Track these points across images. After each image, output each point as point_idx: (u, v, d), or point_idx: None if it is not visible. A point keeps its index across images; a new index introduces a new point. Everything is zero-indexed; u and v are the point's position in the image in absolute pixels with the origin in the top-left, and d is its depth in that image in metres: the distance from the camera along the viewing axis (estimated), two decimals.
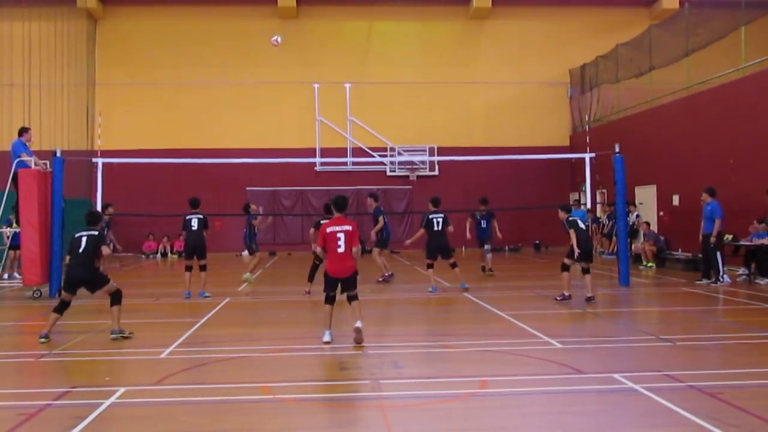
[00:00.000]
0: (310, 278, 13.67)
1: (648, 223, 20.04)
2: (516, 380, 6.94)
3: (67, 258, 9.65)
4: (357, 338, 8.42)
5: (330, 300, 8.74)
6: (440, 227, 13.84)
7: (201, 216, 13.72)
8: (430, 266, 14.09)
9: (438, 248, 13.97)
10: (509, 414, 5.82)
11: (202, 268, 13.54)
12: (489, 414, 5.85)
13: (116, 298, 9.38)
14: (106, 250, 9.58)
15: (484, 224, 16.94)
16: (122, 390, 6.45)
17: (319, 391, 6.50)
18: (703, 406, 5.73)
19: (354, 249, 8.70)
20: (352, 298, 8.75)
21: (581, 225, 12.46)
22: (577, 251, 12.16)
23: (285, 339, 9.33)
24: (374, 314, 11.70)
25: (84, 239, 9.36)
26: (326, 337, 8.59)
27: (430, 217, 13.94)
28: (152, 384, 6.80)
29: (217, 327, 10.21)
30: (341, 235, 8.55)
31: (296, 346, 8.68)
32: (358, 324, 8.46)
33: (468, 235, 17.06)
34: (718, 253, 14.51)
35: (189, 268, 13.54)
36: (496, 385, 6.76)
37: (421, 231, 14.25)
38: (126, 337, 9.17)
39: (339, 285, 8.73)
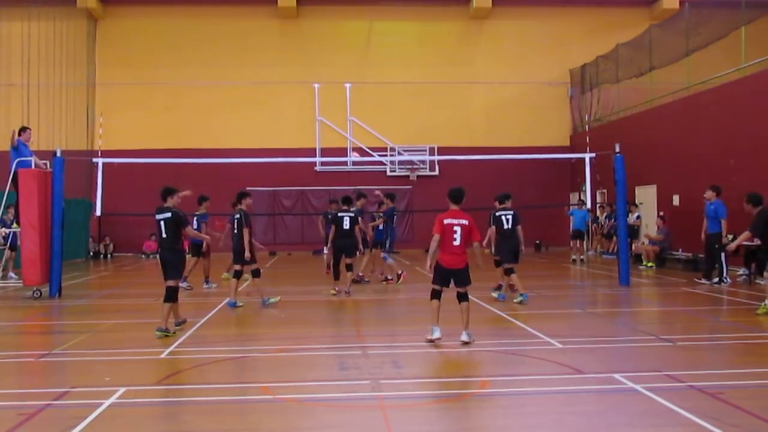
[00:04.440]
0: (337, 276, 13.59)
1: (663, 218, 19.68)
2: (516, 380, 6.94)
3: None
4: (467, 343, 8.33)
5: (437, 295, 8.59)
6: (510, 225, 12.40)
7: (238, 215, 12.14)
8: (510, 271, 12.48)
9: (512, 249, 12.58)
10: (509, 414, 5.82)
11: (252, 273, 12.25)
12: (489, 414, 5.85)
13: (170, 295, 9.30)
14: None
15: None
16: (122, 390, 6.44)
17: (319, 391, 6.50)
18: (703, 406, 5.73)
19: (474, 244, 8.61)
20: (462, 297, 8.56)
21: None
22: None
23: (285, 339, 9.33)
24: (374, 314, 11.71)
25: (162, 224, 9.48)
26: (435, 334, 8.41)
27: (498, 214, 12.49)
28: (152, 384, 6.80)
29: (217, 327, 10.21)
30: (458, 229, 8.46)
31: (296, 346, 8.68)
32: (464, 337, 8.35)
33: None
34: (723, 254, 14.44)
35: (237, 273, 12.32)
36: (496, 385, 6.76)
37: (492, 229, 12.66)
38: (168, 336, 9.07)
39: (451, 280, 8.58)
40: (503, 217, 12.34)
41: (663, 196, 21.20)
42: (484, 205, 17.02)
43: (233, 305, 11.84)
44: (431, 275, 8.63)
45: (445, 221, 8.51)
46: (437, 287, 8.60)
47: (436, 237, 8.43)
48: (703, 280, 14.63)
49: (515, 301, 12.02)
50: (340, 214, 13.67)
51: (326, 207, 21.10)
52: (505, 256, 12.45)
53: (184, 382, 7.04)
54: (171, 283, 9.36)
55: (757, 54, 17.33)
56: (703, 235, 14.83)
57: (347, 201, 14.04)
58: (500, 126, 27.79)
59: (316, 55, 27.90)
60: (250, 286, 13.30)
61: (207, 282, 15.13)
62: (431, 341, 8.44)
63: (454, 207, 8.68)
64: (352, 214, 13.68)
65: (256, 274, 12.13)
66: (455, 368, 7.65)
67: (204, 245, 14.51)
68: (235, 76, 27.48)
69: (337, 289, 13.47)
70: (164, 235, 9.53)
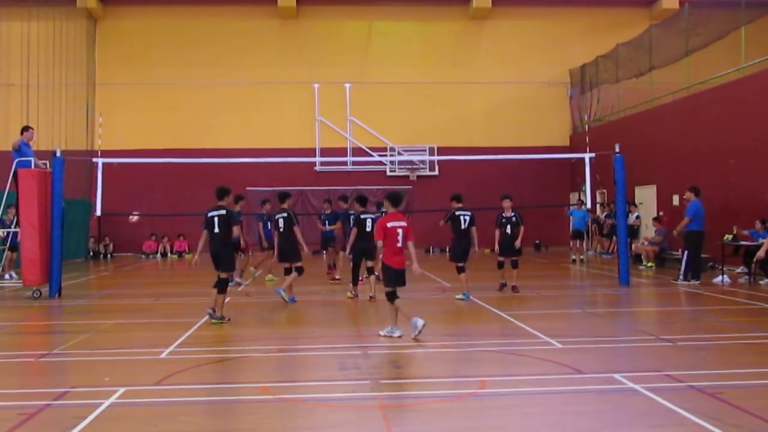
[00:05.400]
0: (356, 280, 12.97)
1: (659, 219, 19.76)
2: (516, 380, 6.94)
3: (205, 233, 10.50)
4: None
5: (395, 296, 8.97)
6: (467, 226, 12.48)
7: (285, 214, 12.36)
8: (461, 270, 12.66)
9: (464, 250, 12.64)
10: (509, 414, 5.82)
11: (297, 270, 12.35)
12: (489, 414, 5.84)
13: (222, 285, 10.23)
14: (236, 230, 10.38)
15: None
16: (122, 390, 6.44)
17: (319, 391, 6.50)
18: (703, 406, 5.73)
19: (409, 244, 8.98)
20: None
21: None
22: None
23: (285, 339, 9.34)
24: (374, 314, 11.70)
25: (216, 219, 10.29)
26: (398, 332, 8.85)
27: (457, 213, 12.50)
28: (152, 384, 6.80)
29: (217, 327, 10.19)
30: (400, 230, 8.91)
31: (296, 346, 8.69)
32: (422, 321, 8.76)
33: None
34: (686, 253, 14.59)
35: (288, 271, 12.51)
36: (496, 385, 6.76)
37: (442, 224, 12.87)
38: (222, 323, 10.13)
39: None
40: (461, 217, 12.46)
41: (663, 196, 21.21)
42: (484, 205, 17.05)
43: (293, 300, 12.44)
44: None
45: (389, 224, 8.92)
46: (393, 288, 8.98)
47: (380, 243, 8.92)
48: (691, 280, 14.72)
49: (456, 297, 12.46)
50: (363, 216, 12.67)
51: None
52: (456, 255, 12.66)
53: (184, 382, 7.03)
54: (223, 275, 10.33)
55: (757, 54, 17.33)
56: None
57: (363, 201, 13.11)
58: (500, 126, 27.78)
59: (316, 55, 27.89)
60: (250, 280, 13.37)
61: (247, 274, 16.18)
62: (389, 336, 8.81)
63: (392, 210, 9.09)
64: (374, 216, 12.89)
65: (299, 270, 12.39)
66: (455, 368, 7.65)
67: (242, 243, 14.93)
68: (235, 76, 27.49)
69: (354, 292, 12.97)
70: (216, 230, 10.31)
